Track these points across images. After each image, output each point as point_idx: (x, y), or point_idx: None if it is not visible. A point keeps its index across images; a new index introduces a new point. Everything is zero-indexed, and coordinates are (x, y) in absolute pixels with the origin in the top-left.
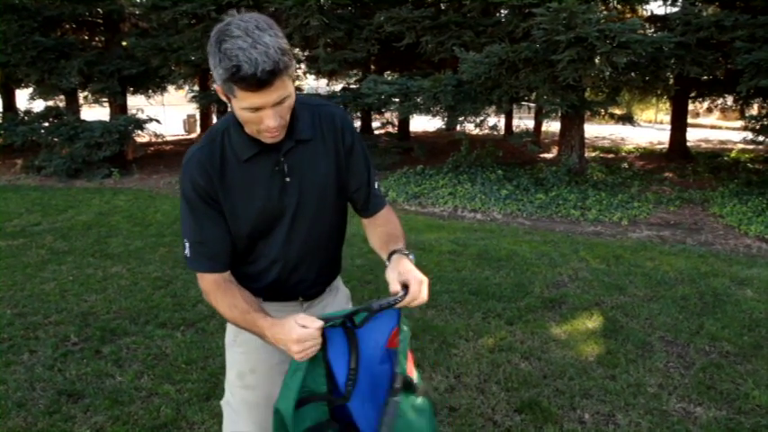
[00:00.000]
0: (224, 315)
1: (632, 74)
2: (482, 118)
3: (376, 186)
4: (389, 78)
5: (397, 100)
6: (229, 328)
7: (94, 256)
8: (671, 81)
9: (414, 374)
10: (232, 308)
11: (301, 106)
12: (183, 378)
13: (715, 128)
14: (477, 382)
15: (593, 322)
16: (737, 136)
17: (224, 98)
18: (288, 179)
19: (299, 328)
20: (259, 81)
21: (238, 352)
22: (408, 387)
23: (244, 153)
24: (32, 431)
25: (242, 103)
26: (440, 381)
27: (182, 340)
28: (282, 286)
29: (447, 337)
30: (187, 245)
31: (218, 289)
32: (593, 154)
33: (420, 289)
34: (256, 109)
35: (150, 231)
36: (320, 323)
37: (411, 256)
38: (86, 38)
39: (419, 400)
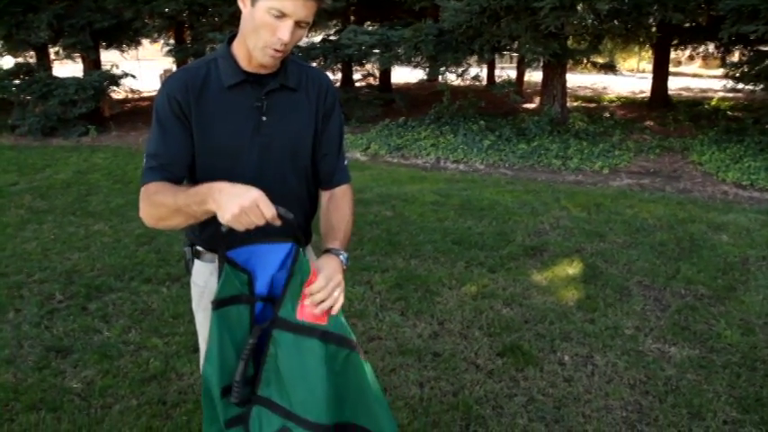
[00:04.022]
0: (166, 207)
1: (615, 21)
2: (464, 68)
3: (345, 162)
4: (369, 28)
5: (377, 51)
6: (194, 292)
7: (75, 214)
8: (653, 28)
9: (325, 320)
10: (177, 192)
11: (292, 62)
12: (170, 331)
13: (696, 76)
14: (461, 327)
15: (573, 269)
16: (718, 84)
17: (242, 3)
18: (264, 118)
19: (247, 189)
20: None
21: (203, 316)
22: (295, 329)
23: (229, 79)
24: (23, 386)
25: (273, 2)
26: (424, 328)
27: (167, 295)
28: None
29: (430, 285)
30: (145, 160)
31: (158, 189)
32: (576, 103)
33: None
34: (282, 15)
35: (131, 188)
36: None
37: (341, 256)
38: None
39: (310, 342)
